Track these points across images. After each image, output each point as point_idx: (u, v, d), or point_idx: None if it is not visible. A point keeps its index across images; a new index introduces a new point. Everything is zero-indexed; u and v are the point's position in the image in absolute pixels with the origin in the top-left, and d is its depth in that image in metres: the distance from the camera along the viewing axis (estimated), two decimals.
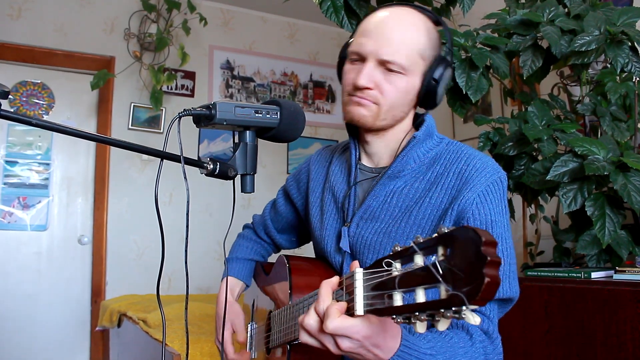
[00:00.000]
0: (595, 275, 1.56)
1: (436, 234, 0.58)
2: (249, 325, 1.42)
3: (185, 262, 0.88)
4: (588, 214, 1.64)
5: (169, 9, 3.56)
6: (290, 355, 1.05)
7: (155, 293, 0.90)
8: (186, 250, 0.88)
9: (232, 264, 1.40)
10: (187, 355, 0.94)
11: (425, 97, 1.06)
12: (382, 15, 1.06)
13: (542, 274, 1.67)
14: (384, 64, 1.02)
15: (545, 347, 1.60)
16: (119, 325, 2.94)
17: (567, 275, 1.60)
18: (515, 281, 1.03)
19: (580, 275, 1.57)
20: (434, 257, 0.58)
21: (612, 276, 1.57)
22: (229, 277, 1.37)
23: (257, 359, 1.35)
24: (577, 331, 1.52)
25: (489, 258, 0.51)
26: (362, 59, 1.04)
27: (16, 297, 3.37)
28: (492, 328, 0.99)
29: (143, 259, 3.64)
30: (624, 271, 1.53)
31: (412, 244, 0.61)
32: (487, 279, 0.51)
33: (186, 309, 0.91)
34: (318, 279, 1.13)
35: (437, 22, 1.10)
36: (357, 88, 1.03)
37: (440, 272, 0.55)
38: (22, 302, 3.37)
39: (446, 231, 0.57)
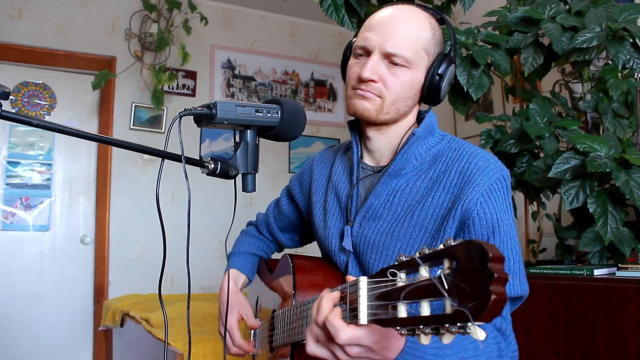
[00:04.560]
0: (597, 272, 1.56)
1: (442, 246, 0.57)
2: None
3: (187, 262, 0.88)
4: (590, 211, 1.63)
5: (169, 8, 3.56)
6: (293, 355, 1.05)
7: (158, 292, 0.90)
8: (188, 250, 0.88)
9: (234, 258, 1.40)
10: (189, 354, 0.94)
11: (429, 92, 1.06)
12: (387, 12, 1.07)
13: (545, 271, 1.67)
14: (388, 57, 1.02)
15: (547, 345, 1.60)
16: (121, 325, 2.94)
17: (569, 272, 1.60)
18: (525, 279, 1.03)
19: (582, 272, 1.57)
20: (439, 269, 0.57)
21: (614, 273, 1.56)
22: (231, 270, 1.36)
23: (260, 357, 1.35)
24: (580, 328, 1.52)
25: (496, 275, 0.51)
26: (367, 53, 1.05)
27: (19, 297, 3.37)
28: (505, 325, 0.99)
29: (145, 259, 3.64)
30: (627, 268, 1.52)
31: (417, 256, 0.60)
32: (493, 296, 0.50)
33: (188, 308, 0.91)
34: (322, 278, 1.14)
35: (440, 21, 1.11)
36: (362, 81, 1.04)
37: (446, 286, 0.55)
38: (25, 302, 3.38)
39: (453, 244, 0.56)
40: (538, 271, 1.69)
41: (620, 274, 1.53)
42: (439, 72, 1.05)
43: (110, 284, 3.55)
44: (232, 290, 1.30)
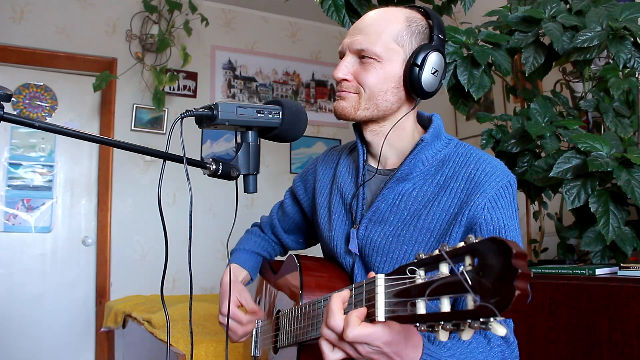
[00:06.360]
0: (599, 271, 1.56)
1: (463, 243, 0.58)
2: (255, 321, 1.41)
3: (189, 263, 0.88)
4: (592, 210, 1.63)
5: (170, 9, 3.56)
6: (300, 355, 1.05)
7: (160, 293, 0.90)
8: (190, 251, 0.88)
9: (237, 254, 1.38)
10: (191, 355, 0.94)
11: (412, 84, 1.04)
12: (364, 14, 1.10)
13: (546, 271, 1.67)
14: (359, 54, 1.05)
15: (549, 344, 1.60)
16: (123, 326, 2.95)
17: (571, 272, 1.60)
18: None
19: (584, 272, 1.57)
20: (460, 266, 0.57)
21: (616, 272, 1.56)
22: (232, 265, 1.33)
23: (260, 357, 1.34)
24: (582, 328, 1.51)
25: (520, 270, 0.51)
26: (342, 56, 1.09)
27: (21, 298, 3.38)
28: (508, 332, 0.99)
29: (147, 260, 3.65)
30: (629, 267, 1.52)
31: (440, 252, 0.61)
32: (517, 292, 0.51)
33: (190, 309, 0.91)
34: (329, 279, 1.14)
35: (426, 15, 1.09)
36: (337, 82, 1.08)
37: (469, 282, 0.55)
38: (27, 304, 3.39)
39: (475, 241, 0.56)
40: (540, 271, 1.69)
41: (622, 273, 1.53)
42: (417, 62, 1.03)
43: (112, 285, 3.56)
44: (232, 281, 1.27)
